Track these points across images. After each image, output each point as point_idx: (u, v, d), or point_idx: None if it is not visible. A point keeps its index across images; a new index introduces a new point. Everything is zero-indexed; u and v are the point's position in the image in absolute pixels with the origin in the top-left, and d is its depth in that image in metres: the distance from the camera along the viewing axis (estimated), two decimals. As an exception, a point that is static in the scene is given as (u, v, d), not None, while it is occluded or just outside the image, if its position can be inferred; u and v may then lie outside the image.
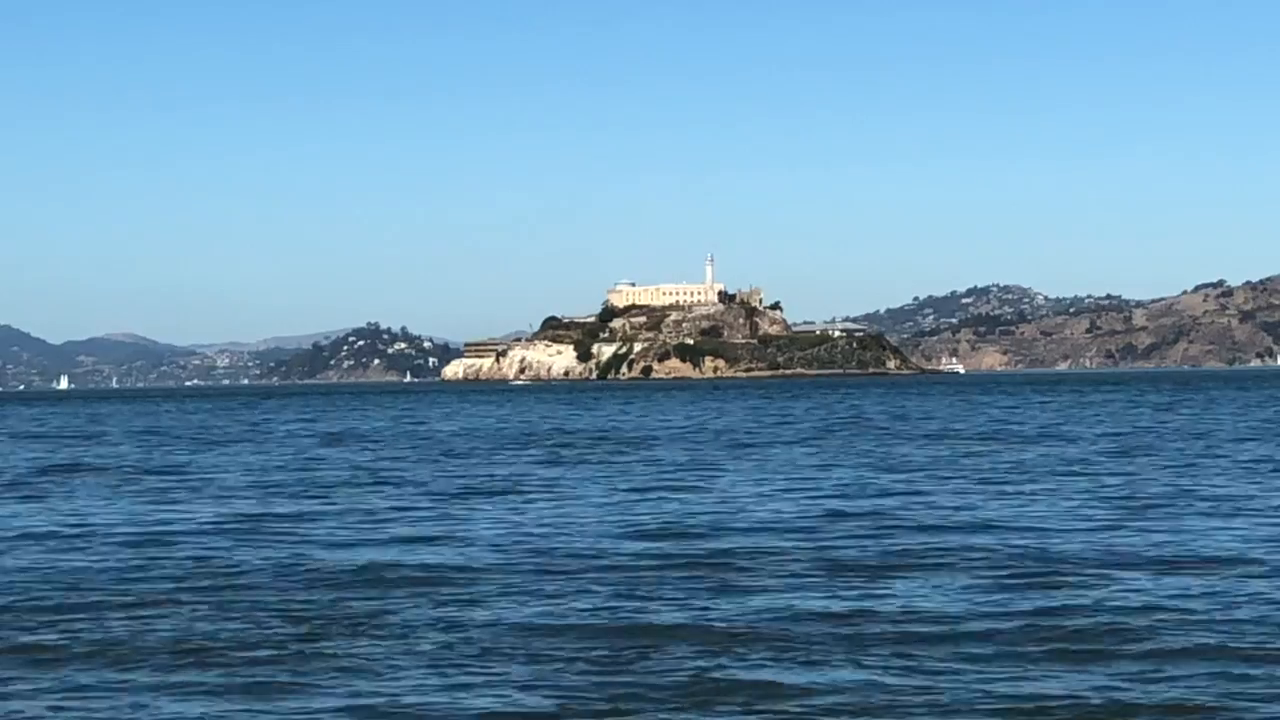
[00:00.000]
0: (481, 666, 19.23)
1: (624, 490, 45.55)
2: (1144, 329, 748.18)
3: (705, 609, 22.99)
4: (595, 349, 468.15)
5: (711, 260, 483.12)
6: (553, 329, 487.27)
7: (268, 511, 40.46)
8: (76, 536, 34.87)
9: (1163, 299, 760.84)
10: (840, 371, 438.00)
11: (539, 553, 30.11)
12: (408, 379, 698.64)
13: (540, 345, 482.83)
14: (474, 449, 73.93)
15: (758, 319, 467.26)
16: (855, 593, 24.35)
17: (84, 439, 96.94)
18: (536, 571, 27.40)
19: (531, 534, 33.58)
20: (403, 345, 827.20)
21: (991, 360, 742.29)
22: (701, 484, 47.49)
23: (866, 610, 22.58)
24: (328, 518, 38.31)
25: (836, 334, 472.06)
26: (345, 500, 43.77)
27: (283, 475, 55.94)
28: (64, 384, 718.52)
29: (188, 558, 30.33)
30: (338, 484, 50.41)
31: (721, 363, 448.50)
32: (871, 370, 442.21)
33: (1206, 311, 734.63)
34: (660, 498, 42.60)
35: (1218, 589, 24.20)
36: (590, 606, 23.34)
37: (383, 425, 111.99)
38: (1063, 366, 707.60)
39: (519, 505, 40.96)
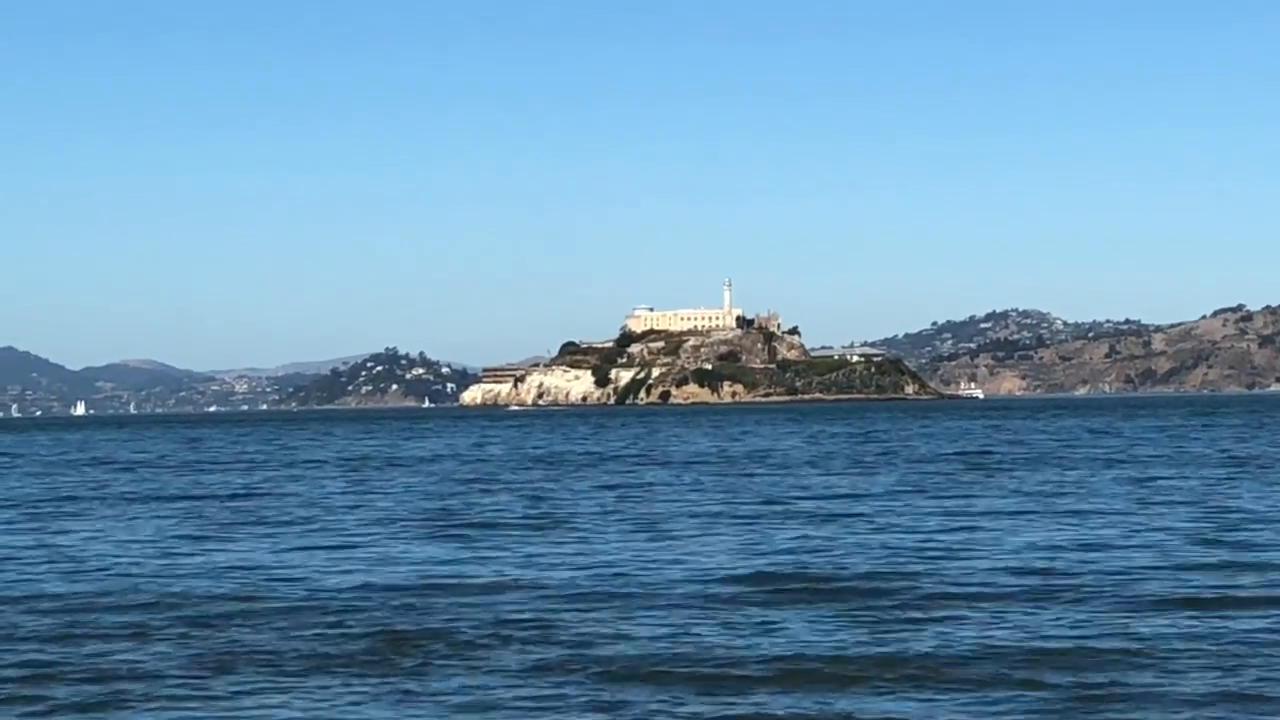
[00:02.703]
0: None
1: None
2: (1163, 353, 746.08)
3: None
4: (613, 374, 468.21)
5: (729, 285, 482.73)
6: (570, 354, 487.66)
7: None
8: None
9: (1182, 323, 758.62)
10: (859, 396, 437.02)
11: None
12: (426, 404, 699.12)
13: (558, 370, 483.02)
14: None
15: (776, 344, 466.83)
16: None
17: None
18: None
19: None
20: (421, 371, 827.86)
21: (1010, 385, 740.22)
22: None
23: None
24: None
25: (855, 359, 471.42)
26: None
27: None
28: (80, 410, 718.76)
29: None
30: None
31: (740, 388, 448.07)
32: (890, 395, 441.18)
33: (1225, 336, 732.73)
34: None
35: None
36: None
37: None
38: (1081, 391, 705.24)
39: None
